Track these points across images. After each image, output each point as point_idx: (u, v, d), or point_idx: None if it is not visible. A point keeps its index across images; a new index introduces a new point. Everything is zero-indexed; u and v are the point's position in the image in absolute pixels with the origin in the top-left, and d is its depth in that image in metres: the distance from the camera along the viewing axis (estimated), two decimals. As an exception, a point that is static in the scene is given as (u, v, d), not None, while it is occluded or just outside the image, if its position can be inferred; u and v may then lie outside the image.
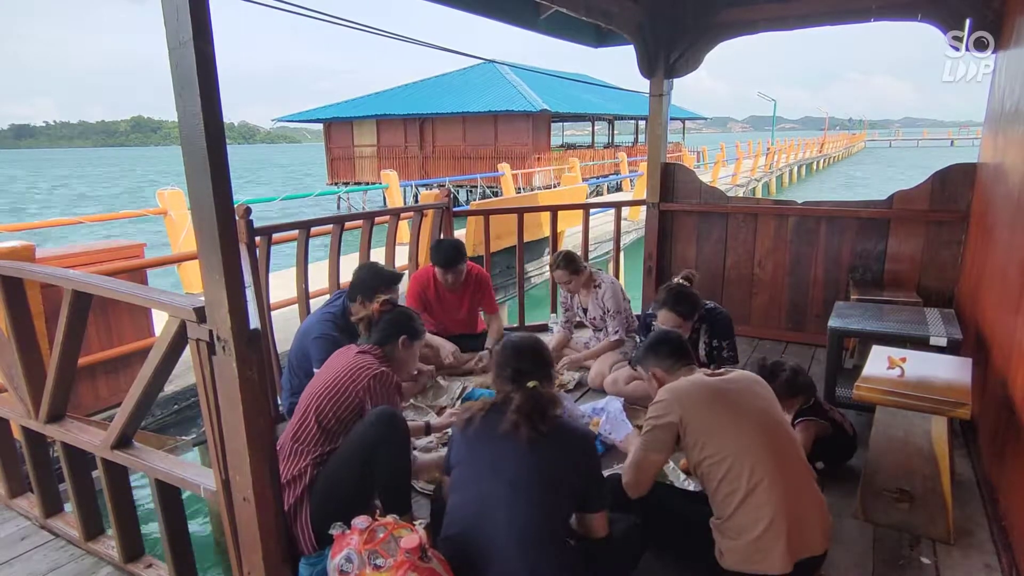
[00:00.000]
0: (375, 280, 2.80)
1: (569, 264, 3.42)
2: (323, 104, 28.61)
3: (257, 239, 2.99)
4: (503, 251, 6.78)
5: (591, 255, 6.20)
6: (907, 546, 2.10)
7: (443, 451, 2.39)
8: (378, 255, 3.76)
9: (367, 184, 20.55)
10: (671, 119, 14.08)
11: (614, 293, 3.45)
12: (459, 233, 5.72)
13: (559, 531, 1.61)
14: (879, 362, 2.33)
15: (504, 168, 14.40)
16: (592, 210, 4.81)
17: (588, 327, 3.72)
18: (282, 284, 3.85)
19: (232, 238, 1.44)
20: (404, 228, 5.14)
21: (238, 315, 1.45)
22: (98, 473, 2.01)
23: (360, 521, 1.55)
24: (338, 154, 24.26)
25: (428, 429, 2.63)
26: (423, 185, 16.36)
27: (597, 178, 21.40)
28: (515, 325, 4.47)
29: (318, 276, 3.54)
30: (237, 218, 1.74)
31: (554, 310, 4.37)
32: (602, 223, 9.26)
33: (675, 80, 4.39)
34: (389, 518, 1.59)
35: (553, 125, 24.07)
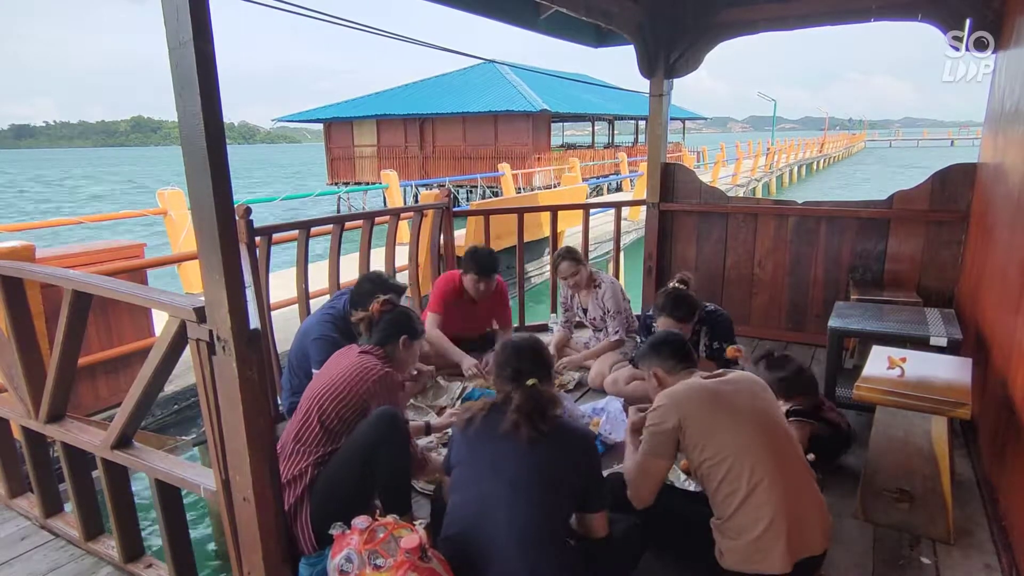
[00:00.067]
0: (380, 291, 2.73)
1: (572, 255, 3.44)
2: (323, 104, 28.64)
3: (257, 239, 2.99)
4: (503, 251, 6.75)
5: (591, 255, 6.21)
6: (907, 546, 2.10)
7: (444, 451, 2.39)
8: (378, 255, 3.76)
9: (367, 184, 20.56)
10: (671, 119, 14.07)
11: (614, 293, 3.45)
12: (459, 233, 5.72)
13: (559, 531, 1.61)
14: (879, 362, 2.33)
15: (504, 168, 14.41)
16: (592, 210, 4.81)
17: (588, 327, 3.72)
18: (282, 284, 3.85)
19: (232, 238, 1.44)
20: (404, 228, 5.14)
21: (238, 315, 1.45)
22: (98, 473, 2.01)
23: (360, 521, 1.55)
24: (338, 154, 24.26)
25: (428, 429, 2.63)
26: (423, 185, 16.36)
27: (597, 178, 21.40)
28: (515, 325, 4.47)
29: (318, 276, 3.54)
30: (237, 218, 1.74)
31: (554, 310, 4.37)
32: (602, 223, 9.27)
33: (675, 80, 4.39)
34: (389, 518, 1.59)
35: (553, 125, 24.07)
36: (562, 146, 27.88)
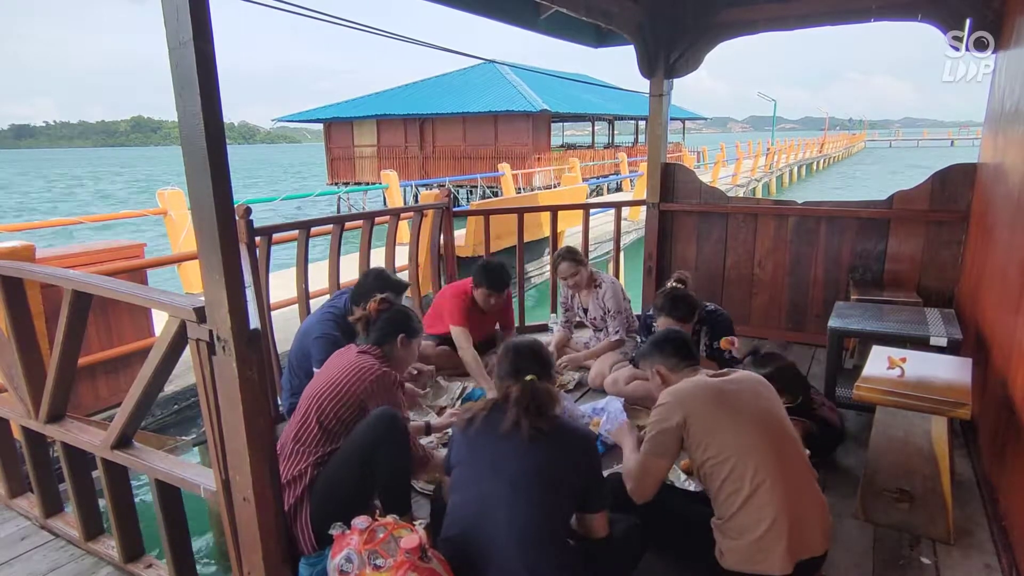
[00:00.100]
0: (382, 288, 2.68)
1: (572, 255, 3.44)
2: (323, 104, 28.63)
3: (257, 239, 3.00)
4: (503, 251, 6.77)
5: (591, 255, 6.21)
6: (907, 546, 2.10)
7: (443, 451, 2.39)
8: (378, 255, 3.76)
9: (367, 184, 20.56)
10: (671, 119, 14.08)
11: (615, 293, 3.45)
12: (459, 233, 5.72)
13: (559, 531, 1.61)
14: (879, 362, 2.33)
15: (504, 168, 14.40)
16: (592, 210, 4.80)
17: (588, 327, 3.73)
18: (282, 284, 3.85)
19: (232, 238, 1.44)
20: (404, 228, 5.14)
21: (238, 315, 1.45)
22: (98, 473, 2.01)
23: (360, 521, 1.55)
24: (338, 154, 24.26)
25: (428, 429, 2.63)
26: (423, 185, 16.36)
27: (597, 178, 21.39)
28: (516, 326, 4.47)
29: (318, 276, 3.54)
30: (237, 218, 1.74)
31: (554, 310, 4.37)
32: (602, 223, 9.27)
33: (675, 80, 4.39)
34: (389, 518, 1.59)
35: (553, 125, 24.07)
36: (562, 146, 27.87)
